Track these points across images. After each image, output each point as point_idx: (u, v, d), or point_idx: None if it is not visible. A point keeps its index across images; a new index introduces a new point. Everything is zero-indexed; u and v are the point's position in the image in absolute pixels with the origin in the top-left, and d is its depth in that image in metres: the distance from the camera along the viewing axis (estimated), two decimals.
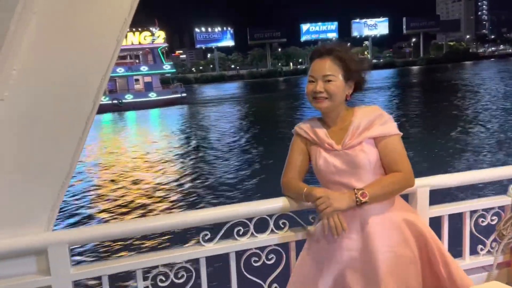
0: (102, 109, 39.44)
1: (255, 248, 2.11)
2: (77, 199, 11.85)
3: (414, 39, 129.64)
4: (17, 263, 1.76)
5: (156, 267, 1.96)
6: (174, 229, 2.04)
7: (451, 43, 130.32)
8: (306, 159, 2.10)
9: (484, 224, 2.43)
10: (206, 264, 2.05)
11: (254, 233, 2.11)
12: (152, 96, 43.85)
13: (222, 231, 2.07)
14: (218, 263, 2.17)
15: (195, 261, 2.03)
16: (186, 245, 2.07)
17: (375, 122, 1.97)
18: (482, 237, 2.47)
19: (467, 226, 2.44)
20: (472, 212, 2.43)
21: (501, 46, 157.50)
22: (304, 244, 2.08)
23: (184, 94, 45.64)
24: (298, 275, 2.02)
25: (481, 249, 2.48)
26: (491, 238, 2.48)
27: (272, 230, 2.14)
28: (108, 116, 37.41)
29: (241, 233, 2.09)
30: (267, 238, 2.13)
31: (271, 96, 47.09)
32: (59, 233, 1.82)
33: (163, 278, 1.95)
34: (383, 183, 1.91)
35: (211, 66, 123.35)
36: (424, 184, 2.20)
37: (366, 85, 2.09)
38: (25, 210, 1.75)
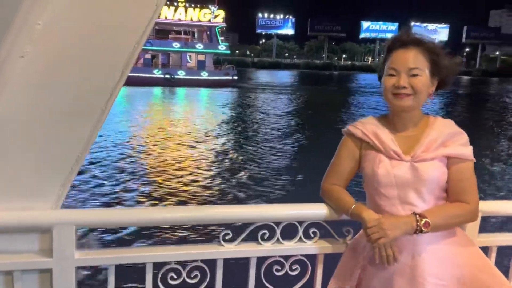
0: (154, 82, 40.59)
1: (279, 256, 1.91)
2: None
3: (467, 49, 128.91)
4: (19, 238, 1.62)
5: (169, 263, 1.78)
6: (194, 223, 1.87)
7: (504, 57, 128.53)
8: (355, 165, 1.87)
9: None
10: (223, 266, 1.86)
11: (280, 239, 1.90)
12: (204, 75, 44.09)
13: (246, 233, 1.87)
14: (235, 265, 1.97)
15: (212, 262, 1.84)
16: (204, 243, 1.88)
17: (454, 140, 1.73)
18: None
19: None
20: None
21: None
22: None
23: (235, 77, 45.61)
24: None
25: None
26: None
27: (300, 239, 1.93)
28: (158, 90, 38.01)
29: (266, 237, 1.89)
30: (294, 247, 1.92)
31: (326, 89, 46.23)
32: (66, 212, 1.66)
33: (174, 276, 1.77)
34: (448, 213, 1.69)
35: (265, 52, 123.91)
36: None
37: (450, 86, 1.82)
38: (33, 183, 1.59)
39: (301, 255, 1.93)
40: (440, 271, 1.67)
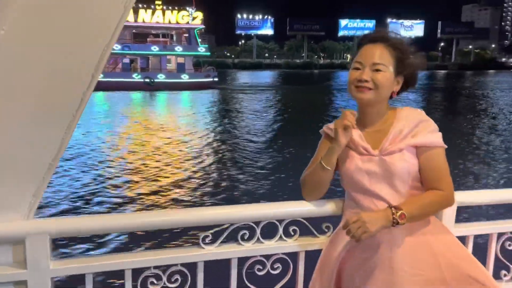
0: (134, 87, 40.17)
1: (260, 256, 1.90)
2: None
3: (442, 44, 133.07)
4: None
5: (148, 268, 1.76)
6: (173, 227, 1.84)
7: (477, 51, 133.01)
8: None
9: (511, 248, 2.22)
10: (204, 268, 1.85)
11: (261, 238, 1.90)
12: (184, 78, 43.78)
13: (225, 234, 1.86)
14: (217, 268, 1.96)
15: (192, 265, 1.82)
16: (184, 246, 1.85)
17: (421, 129, 1.73)
18: (507, 262, 2.25)
19: (493, 249, 2.23)
20: (500, 234, 2.22)
21: None
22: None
23: (216, 79, 45.41)
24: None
25: (505, 275, 2.25)
26: None
27: (280, 237, 1.93)
28: (138, 95, 37.59)
29: (246, 237, 1.88)
30: (275, 246, 1.92)
31: (307, 89, 46.38)
32: (39, 222, 1.62)
33: (155, 281, 1.75)
34: (422, 203, 1.70)
35: (245, 52, 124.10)
36: None
37: (416, 84, 1.84)
38: (4, 194, 1.54)
39: (282, 253, 1.93)
40: (418, 261, 1.68)
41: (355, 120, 1.73)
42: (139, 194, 10.13)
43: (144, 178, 11.52)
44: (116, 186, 10.78)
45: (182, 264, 1.79)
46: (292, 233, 1.94)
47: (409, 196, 1.73)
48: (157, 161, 13.49)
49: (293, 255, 1.96)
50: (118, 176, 11.69)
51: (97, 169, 12.40)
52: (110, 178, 11.48)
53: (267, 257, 1.91)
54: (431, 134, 1.73)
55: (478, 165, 13.21)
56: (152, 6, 45.05)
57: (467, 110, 27.93)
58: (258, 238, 1.89)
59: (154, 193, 10.21)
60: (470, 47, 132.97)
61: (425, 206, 1.70)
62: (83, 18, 1.51)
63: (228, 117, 24.34)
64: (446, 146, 1.76)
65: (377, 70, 1.71)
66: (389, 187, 1.73)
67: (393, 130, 1.75)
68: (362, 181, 1.75)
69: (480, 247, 2.27)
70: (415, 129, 1.74)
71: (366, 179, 1.75)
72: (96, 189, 10.51)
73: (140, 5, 44.63)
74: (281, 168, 12.51)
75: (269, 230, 1.92)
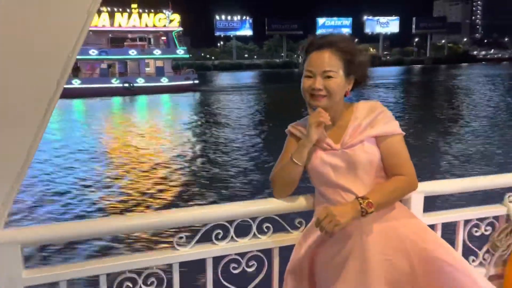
0: (113, 92, 39.72)
1: (235, 254, 1.93)
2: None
3: (417, 39, 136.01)
4: None
5: (123, 272, 1.77)
6: (147, 230, 1.86)
7: (450, 45, 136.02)
8: None
9: (477, 234, 2.31)
10: (179, 269, 1.86)
11: (235, 237, 1.92)
12: (164, 81, 43.49)
13: (199, 234, 1.88)
14: (193, 268, 1.98)
15: (168, 267, 1.84)
16: (158, 248, 1.87)
17: (377, 120, 1.81)
18: (474, 248, 2.34)
19: (460, 236, 2.30)
20: (466, 221, 2.30)
21: (492, 50, 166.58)
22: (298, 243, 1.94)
23: (196, 81, 45.19)
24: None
25: (473, 260, 2.33)
26: (484, 249, 2.36)
27: (254, 235, 1.96)
28: (118, 100, 37.21)
29: (220, 237, 1.90)
30: (249, 243, 1.95)
31: (287, 87, 46.49)
32: (8, 232, 1.61)
33: (130, 285, 1.76)
34: (387, 189, 1.76)
35: (224, 53, 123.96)
36: (419, 190, 2.00)
37: (368, 81, 1.89)
38: None
39: (257, 250, 1.96)
40: (385, 246, 1.73)
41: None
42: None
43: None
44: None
45: (157, 267, 1.80)
46: (266, 230, 1.97)
47: (374, 185, 1.78)
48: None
49: (268, 252, 1.99)
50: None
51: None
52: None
53: (242, 255, 1.94)
54: (388, 123, 1.81)
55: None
56: (128, 10, 44.61)
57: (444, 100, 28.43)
58: (232, 237, 1.92)
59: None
60: (443, 41, 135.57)
61: (390, 193, 1.76)
62: (46, 25, 1.50)
63: (209, 118, 24.29)
64: (404, 133, 1.84)
65: (328, 77, 1.77)
66: (354, 178, 1.78)
67: (351, 124, 1.82)
68: (327, 174, 1.81)
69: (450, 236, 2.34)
70: (373, 120, 1.81)
71: (331, 172, 1.81)
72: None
73: (115, 9, 44.15)
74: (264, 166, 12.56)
75: (243, 228, 1.95)
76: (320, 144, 1.85)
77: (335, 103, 1.82)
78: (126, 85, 41.50)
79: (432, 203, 2.22)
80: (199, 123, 22.85)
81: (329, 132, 1.86)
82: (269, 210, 1.95)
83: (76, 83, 39.87)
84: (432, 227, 2.17)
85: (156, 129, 21.87)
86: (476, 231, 2.30)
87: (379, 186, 1.77)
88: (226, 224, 1.89)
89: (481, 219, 2.31)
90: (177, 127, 22.02)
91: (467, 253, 2.31)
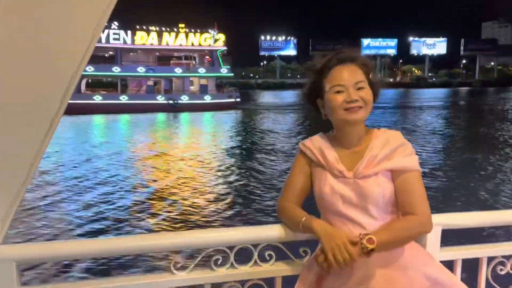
0: (158, 108, 40.94)
1: (235, 281, 1.86)
2: None
3: (464, 61, 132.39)
4: None
5: None
6: (145, 252, 1.83)
7: (499, 67, 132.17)
8: (307, 182, 1.83)
9: (503, 273, 2.09)
10: None
11: (235, 263, 1.86)
12: (207, 99, 44.42)
13: (198, 259, 1.82)
14: None
15: None
16: (154, 272, 1.84)
17: (397, 152, 1.69)
18: None
19: (483, 274, 2.10)
20: (490, 259, 2.10)
21: None
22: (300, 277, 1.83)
23: (238, 99, 45.89)
24: None
25: None
26: None
27: (255, 262, 1.88)
28: (162, 116, 38.14)
29: (219, 262, 1.85)
30: (250, 271, 1.87)
31: None
32: (5, 248, 1.61)
33: None
34: (395, 228, 1.63)
35: (267, 73, 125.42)
36: (436, 223, 1.86)
37: (377, 100, 1.80)
38: None
39: (258, 279, 1.89)
40: None
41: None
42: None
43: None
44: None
45: None
46: (268, 258, 1.89)
47: (384, 221, 1.68)
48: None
49: (270, 281, 1.92)
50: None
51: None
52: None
53: (242, 282, 1.87)
54: (407, 158, 1.69)
55: None
56: (176, 29, 46.16)
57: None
58: (232, 263, 1.86)
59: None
60: (492, 63, 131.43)
61: (397, 232, 1.62)
62: (52, 44, 1.54)
63: (251, 136, 24.39)
64: (421, 170, 1.71)
65: (361, 88, 1.69)
66: (363, 212, 1.67)
67: (368, 153, 1.70)
68: (336, 204, 1.70)
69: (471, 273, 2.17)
70: (392, 153, 1.69)
71: (340, 202, 1.70)
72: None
73: (163, 29, 45.85)
74: None
75: (244, 254, 1.89)
76: (331, 169, 1.74)
77: (368, 115, 1.72)
78: (171, 102, 42.65)
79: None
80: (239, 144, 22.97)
81: (343, 157, 1.75)
82: (272, 237, 1.86)
83: (123, 99, 41.47)
84: (451, 263, 2.02)
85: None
86: (501, 269, 2.10)
87: (387, 224, 1.65)
88: (226, 249, 1.84)
89: (507, 257, 2.11)
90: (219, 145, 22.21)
91: None
